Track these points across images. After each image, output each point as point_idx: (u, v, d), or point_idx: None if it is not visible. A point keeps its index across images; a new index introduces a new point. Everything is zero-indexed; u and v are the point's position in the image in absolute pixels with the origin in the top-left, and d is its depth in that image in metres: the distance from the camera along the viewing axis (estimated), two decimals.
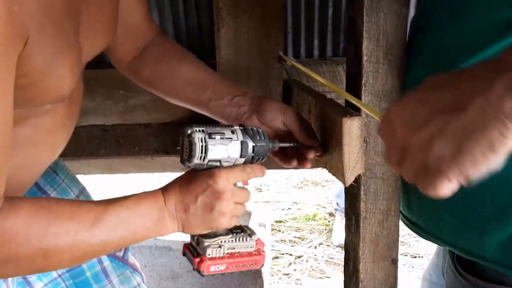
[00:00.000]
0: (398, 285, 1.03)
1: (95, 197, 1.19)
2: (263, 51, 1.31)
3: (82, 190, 1.16)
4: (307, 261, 2.94)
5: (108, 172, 1.54)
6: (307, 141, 0.94)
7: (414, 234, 3.41)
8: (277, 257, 2.94)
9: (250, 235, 0.93)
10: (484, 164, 0.53)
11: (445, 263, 1.02)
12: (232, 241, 0.91)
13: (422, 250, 2.98)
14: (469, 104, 0.51)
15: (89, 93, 1.11)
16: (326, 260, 2.94)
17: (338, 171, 0.93)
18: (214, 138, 0.83)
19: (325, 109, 0.94)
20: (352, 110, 0.90)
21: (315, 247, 3.04)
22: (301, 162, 0.97)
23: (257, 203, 3.33)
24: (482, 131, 0.51)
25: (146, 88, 1.12)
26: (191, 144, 0.83)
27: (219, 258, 0.90)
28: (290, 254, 2.99)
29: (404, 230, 3.20)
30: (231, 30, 1.26)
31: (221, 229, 0.88)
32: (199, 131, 0.83)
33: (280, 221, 3.28)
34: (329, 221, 3.31)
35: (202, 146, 0.82)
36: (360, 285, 0.99)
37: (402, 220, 1.01)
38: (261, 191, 3.63)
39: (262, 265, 0.94)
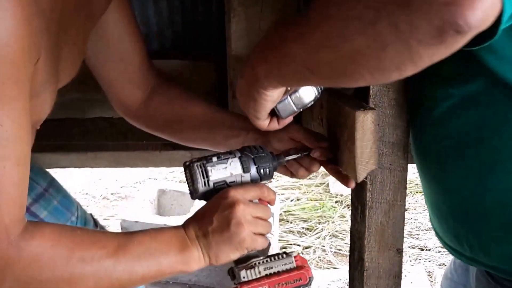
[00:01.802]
0: (404, 276, 1.04)
1: (82, 184, 1.20)
2: None
3: (51, 181, 1.14)
4: (314, 251, 2.96)
5: (116, 165, 1.54)
6: (317, 144, 0.95)
7: (423, 227, 3.40)
8: (285, 247, 2.96)
9: (286, 253, 0.89)
10: (258, 112, 0.85)
11: (474, 268, 1.00)
12: (266, 261, 0.86)
13: (430, 243, 2.98)
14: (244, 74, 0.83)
15: (97, 86, 1.11)
16: (334, 252, 2.96)
17: (349, 166, 0.92)
18: (212, 161, 0.86)
19: (338, 103, 0.94)
20: (365, 104, 0.90)
21: (323, 238, 3.06)
22: (310, 167, 0.98)
23: None
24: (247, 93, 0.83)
25: (157, 135, 1.11)
26: (191, 172, 0.86)
27: (256, 280, 0.85)
28: (298, 245, 3.01)
29: (412, 222, 3.21)
30: (242, 21, 1.24)
31: (246, 245, 0.84)
32: (196, 160, 0.87)
33: (289, 212, 3.30)
34: (335, 208, 3.32)
35: (201, 171, 0.85)
36: (365, 274, 1.00)
37: (440, 241, 1.01)
38: (270, 181, 3.65)
39: (310, 279, 0.87)
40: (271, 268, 0.86)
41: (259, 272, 0.85)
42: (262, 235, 0.86)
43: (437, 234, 1.01)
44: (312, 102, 0.89)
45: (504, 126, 0.78)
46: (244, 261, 0.87)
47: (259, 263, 0.86)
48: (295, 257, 0.89)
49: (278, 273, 0.86)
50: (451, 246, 0.96)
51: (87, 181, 3.68)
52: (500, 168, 0.80)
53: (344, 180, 0.96)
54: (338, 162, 0.97)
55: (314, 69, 0.68)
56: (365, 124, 0.86)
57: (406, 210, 1.03)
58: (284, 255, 0.88)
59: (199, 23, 1.53)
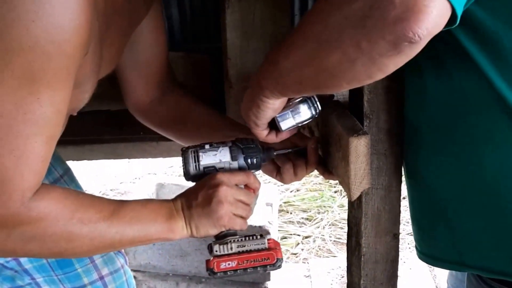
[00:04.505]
0: (403, 263, 1.05)
1: (81, 180, 1.24)
2: (269, 33, 1.30)
3: (67, 170, 1.21)
4: (314, 241, 2.98)
5: (113, 157, 1.55)
6: (306, 142, 1.00)
7: None
8: (285, 237, 2.98)
9: (261, 235, 0.95)
10: (259, 118, 0.89)
11: None
12: (241, 240, 0.93)
13: None
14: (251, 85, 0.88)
15: None
16: (333, 240, 2.98)
17: (344, 184, 0.96)
18: (204, 148, 0.96)
19: (331, 119, 0.96)
20: (359, 124, 0.92)
21: (323, 227, 3.08)
22: (296, 163, 1.02)
23: (267, 184, 3.35)
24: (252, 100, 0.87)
25: (158, 131, 1.19)
26: (185, 156, 0.96)
27: (227, 255, 0.92)
28: (298, 235, 3.03)
29: (408, 210, 3.23)
30: (236, 12, 1.25)
31: (223, 223, 0.91)
32: (192, 147, 0.97)
33: (289, 202, 3.32)
34: (334, 198, 3.34)
35: (194, 156, 0.95)
36: (362, 259, 1.02)
37: (420, 257, 0.99)
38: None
39: (278, 260, 0.93)
40: (244, 246, 0.93)
41: (231, 248, 0.93)
42: (242, 217, 0.93)
43: (421, 253, 0.99)
44: (310, 120, 0.92)
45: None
46: (223, 239, 0.93)
47: (233, 240, 0.93)
48: (268, 240, 0.95)
49: (248, 251, 0.93)
50: (441, 257, 0.95)
51: (85, 178, 3.69)
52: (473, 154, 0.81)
53: (325, 174, 1.03)
54: (333, 172, 1.00)
55: (302, 83, 0.78)
56: (358, 149, 0.89)
57: (404, 198, 1.04)
58: (259, 237, 0.95)
59: (194, 15, 1.53)
